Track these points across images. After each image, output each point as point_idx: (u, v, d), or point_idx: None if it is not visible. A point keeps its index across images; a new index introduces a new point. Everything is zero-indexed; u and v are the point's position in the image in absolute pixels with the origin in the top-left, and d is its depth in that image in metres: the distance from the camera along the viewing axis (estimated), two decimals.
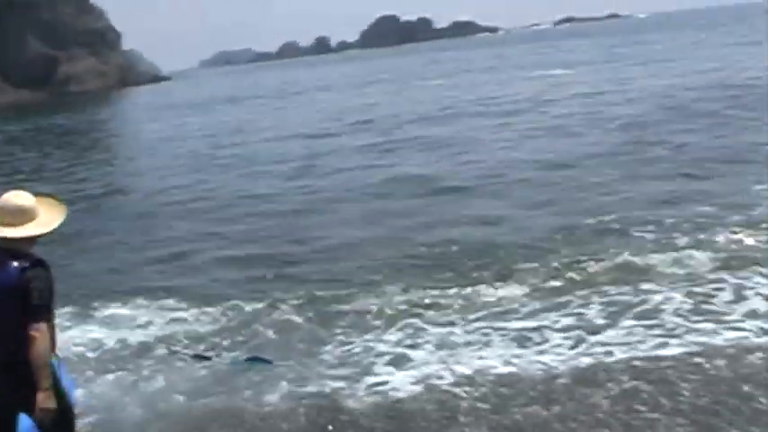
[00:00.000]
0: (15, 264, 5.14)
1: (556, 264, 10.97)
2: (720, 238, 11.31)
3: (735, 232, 11.53)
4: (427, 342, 8.72)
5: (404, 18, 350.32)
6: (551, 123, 25.82)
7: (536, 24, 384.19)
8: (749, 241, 11.11)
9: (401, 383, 7.76)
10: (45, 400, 5.12)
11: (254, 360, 8.52)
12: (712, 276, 9.72)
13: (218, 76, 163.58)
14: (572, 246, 11.87)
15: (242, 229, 15.74)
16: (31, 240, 5.33)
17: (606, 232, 12.47)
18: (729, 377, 7.16)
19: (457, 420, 6.94)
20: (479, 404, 7.16)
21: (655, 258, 10.63)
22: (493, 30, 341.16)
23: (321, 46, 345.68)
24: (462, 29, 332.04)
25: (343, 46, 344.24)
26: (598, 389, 7.18)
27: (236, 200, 18.97)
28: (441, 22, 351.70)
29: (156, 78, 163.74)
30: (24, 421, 5.16)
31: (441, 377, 7.79)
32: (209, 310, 10.48)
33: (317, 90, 61.89)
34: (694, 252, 10.68)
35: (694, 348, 7.83)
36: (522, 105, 32.17)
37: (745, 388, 6.91)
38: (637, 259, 10.71)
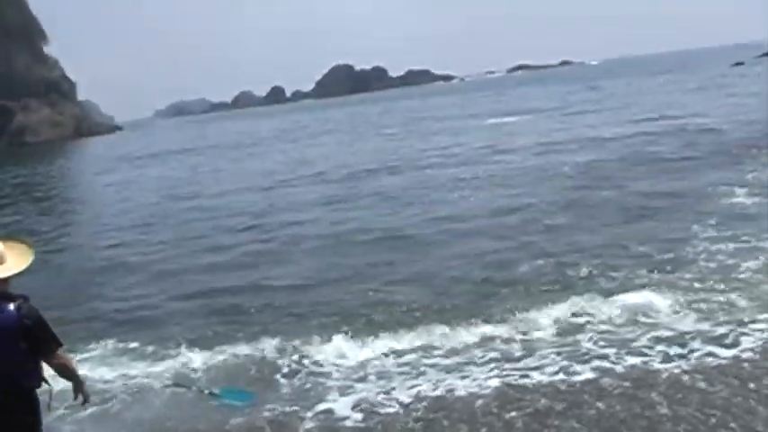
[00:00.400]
0: (11, 305, 5.72)
1: (492, 304, 12.13)
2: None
3: (665, 271, 12.73)
4: (369, 374, 9.81)
5: (358, 67, 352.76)
6: (503, 173, 26.57)
7: (490, 72, 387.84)
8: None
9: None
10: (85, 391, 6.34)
11: (233, 393, 8.79)
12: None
13: (173, 127, 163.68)
14: (514, 286, 13.00)
15: (196, 280, 16.37)
16: (5, 282, 5.82)
17: (544, 275, 13.48)
18: (631, 395, 8.27)
19: None
20: (414, 424, 8.22)
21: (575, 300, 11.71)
22: (447, 78, 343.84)
23: (276, 95, 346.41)
24: (417, 77, 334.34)
25: (298, 95, 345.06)
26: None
27: (190, 253, 19.35)
28: (395, 71, 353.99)
29: (112, 129, 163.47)
30: None
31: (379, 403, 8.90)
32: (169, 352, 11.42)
33: (272, 140, 62.61)
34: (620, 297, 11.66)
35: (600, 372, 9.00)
36: (474, 154, 32.80)
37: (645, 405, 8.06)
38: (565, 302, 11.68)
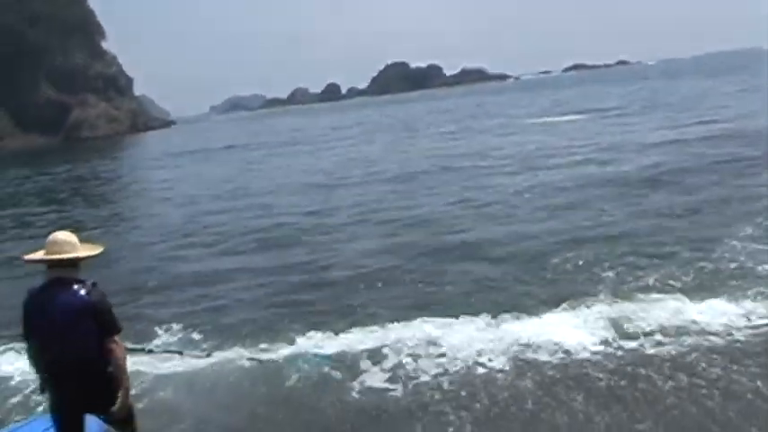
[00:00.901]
0: (79, 287, 6.33)
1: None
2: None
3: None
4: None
5: (413, 65, 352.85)
6: (561, 176, 25.59)
7: (545, 72, 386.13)
8: None
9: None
10: (126, 396, 6.42)
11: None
12: None
13: (228, 122, 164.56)
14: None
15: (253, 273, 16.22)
16: (77, 268, 6.47)
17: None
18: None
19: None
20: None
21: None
22: (502, 77, 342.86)
23: (332, 92, 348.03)
24: (472, 76, 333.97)
25: (354, 92, 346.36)
26: None
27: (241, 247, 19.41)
28: (450, 69, 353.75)
29: (167, 124, 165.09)
30: (93, 423, 6.55)
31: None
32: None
33: (327, 138, 62.00)
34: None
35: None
36: (530, 155, 31.99)
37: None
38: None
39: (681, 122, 37.86)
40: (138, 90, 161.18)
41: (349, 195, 26.25)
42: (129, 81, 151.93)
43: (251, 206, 26.18)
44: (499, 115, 63.16)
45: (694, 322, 10.04)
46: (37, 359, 6.45)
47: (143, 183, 43.43)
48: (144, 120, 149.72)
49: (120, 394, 6.34)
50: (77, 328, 6.23)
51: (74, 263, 6.42)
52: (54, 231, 6.61)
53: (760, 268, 12.20)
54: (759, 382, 8.27)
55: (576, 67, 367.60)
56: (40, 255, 6.41)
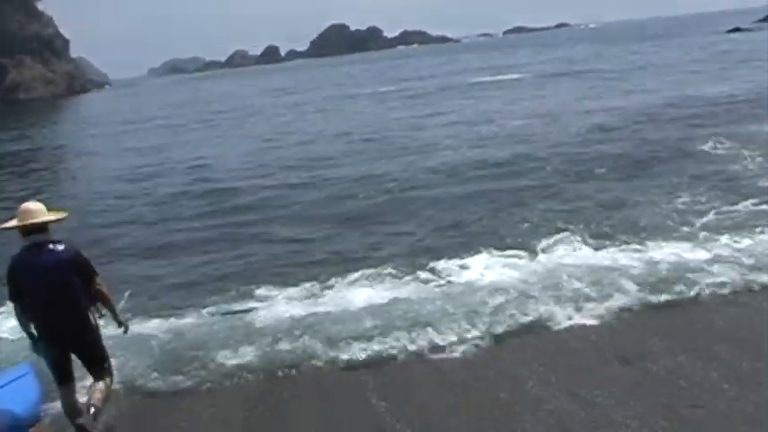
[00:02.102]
0: (56, 245, 7.27)
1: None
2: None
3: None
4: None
5: (354, 27, 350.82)
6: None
7: (486, 34, 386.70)
8: None
9: None
10: (123, 318, 7.89)
11: None
12: None
13: (166, 86, 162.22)
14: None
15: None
16: (48, 232, 7.32)
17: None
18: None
19: None
20: None
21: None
22: (443, 39, 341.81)
23: (271, 54, 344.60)
24: (413, 38, 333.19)
25: (293, 55, 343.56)
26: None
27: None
28: (391, 32, 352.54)
29: (104, 86, 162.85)
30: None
31: None
32: None
33: (263, 105, 61.96)
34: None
35: None
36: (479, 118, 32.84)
37: None
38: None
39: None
40: (74, 52, 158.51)
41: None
42: (66, 43, 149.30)
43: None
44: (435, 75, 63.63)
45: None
46: (31, 315, 7.33)
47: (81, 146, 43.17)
48: (81, 82, 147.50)
49: (120, 319, 7.80)
50: (66, 281, 7.22)
51: (45, 227, 7.30)
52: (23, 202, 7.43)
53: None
54: None
55: (517, 29, 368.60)
56: (14, 222, 7.22)
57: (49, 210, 7.42)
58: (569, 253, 12.08)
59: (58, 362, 7.39)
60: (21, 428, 7.60)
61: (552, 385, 7.68)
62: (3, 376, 8.17)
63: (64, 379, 7.45)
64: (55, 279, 7.16)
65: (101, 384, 7.47)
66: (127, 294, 10.91)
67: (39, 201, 7.42)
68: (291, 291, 11.48)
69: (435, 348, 8.92)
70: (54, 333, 7.27)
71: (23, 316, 7.35)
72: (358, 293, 11.08)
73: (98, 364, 7.55)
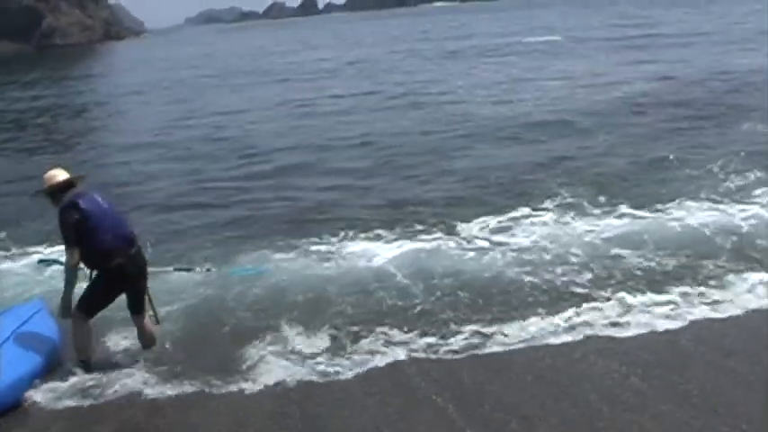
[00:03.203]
0: (96, 193, 8.07)
1: None
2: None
3: None
4: None
5: None
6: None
7: None
8: None
9: None
10: None
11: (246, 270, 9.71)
12: None
13: (203, 34, 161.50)
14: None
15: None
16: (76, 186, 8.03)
17: None
18: None
19: None
20: None
21: None
22: None
23: (308, 7, 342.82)
24: None
25: (331, 8, 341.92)
26: None
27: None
28: None
29: (140, 33, 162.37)
30: None
31: None
32: None
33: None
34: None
35: None
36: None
37: None
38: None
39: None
40: None
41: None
42: None
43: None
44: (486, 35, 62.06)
45: None
46: (103, 253, 7.75)
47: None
48: (117, 29, 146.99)
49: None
50: (119, 214, 8.22)
51: (75, 184, 8.06)
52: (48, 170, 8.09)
53: None
54: None
55: None
56: (58, 179, 7.94)
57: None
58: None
59: (105, 297, 7.93)
60: (45, 361, 7.68)
61: None
62: (20, 312, 8.41)
63: (92, 311, 7.95)
64: (122, 218, 8.20)
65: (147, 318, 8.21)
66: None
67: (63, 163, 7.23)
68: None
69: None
70: (127, 269, 7.87)
71: (92, 256, 7.76)
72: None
73: (141, 302, 8.17)
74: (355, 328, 8.33)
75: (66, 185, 7.93)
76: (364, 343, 8.02)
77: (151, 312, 8.18)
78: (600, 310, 8.39)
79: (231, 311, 8.88)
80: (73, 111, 33.00)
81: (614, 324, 8.05)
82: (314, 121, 23.53)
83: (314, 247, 11.03)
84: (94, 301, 7.94)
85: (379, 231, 11.65)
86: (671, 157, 15.09)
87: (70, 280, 7.79)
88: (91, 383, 7.46)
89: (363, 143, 19.21)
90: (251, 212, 13.70)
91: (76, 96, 39.84)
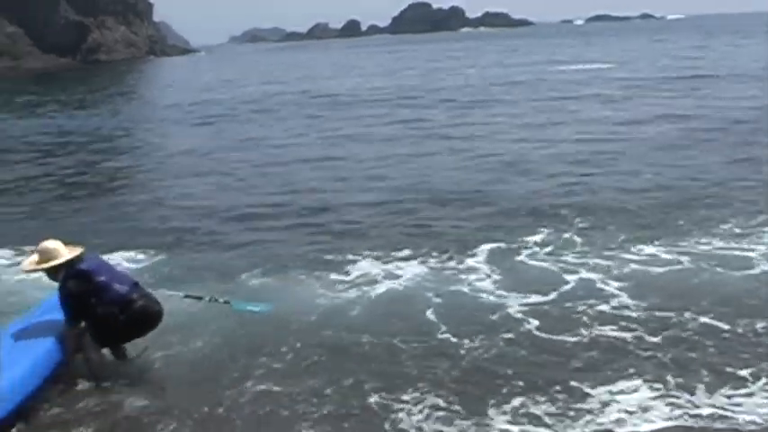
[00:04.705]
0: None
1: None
2: None
3: None
4: None
5: (436, 5, 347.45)
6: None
7: (568, 21, 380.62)
8: None
9: None
10: None
11: (249, 304, 9.43)
12: None
13: (250, 52, 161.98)
14: None
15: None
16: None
17: None
18: None
19: None
20: None
21: None
22: (525, 23, 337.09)
23: (351, 29, 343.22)
24: (494, 20, 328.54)
25: (374, 30, 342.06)
26: None
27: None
28: (473, 12, 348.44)
29: (185, 51, 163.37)
30: None
31: None
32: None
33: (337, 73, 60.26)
34: None
35: None
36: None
37: None
38: None
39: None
40: (157, 16, 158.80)
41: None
42: (149, 6, 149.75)
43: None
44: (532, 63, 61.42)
45: None
46: (116, 298, 7.96)
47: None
48: (161, 46, 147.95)
49: None
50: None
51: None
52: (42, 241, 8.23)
53: None
54: None
55: (599, 17, 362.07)
56: (47, 265, 8.07)
57: (66, 244, 8.24)
58: None
59: (128, 339, 8.35)
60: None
61: None
62: (39, 311, 8.68)
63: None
64: (125, 272, 8.80)
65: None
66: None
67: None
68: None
69: None
70: (147, 311, 8.11)
71: (113, 308, 7.93)
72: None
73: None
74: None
75: (71, 262, 8.04)
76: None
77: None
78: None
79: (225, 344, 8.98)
80: (118, 130, 32.62)
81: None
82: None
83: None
84: (113, 343, 8.31)
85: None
86: None
87: (71, 345, 8.04)
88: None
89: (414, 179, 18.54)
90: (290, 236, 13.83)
91: (121, 115, 39.61)
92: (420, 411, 7.37)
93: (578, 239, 12.41)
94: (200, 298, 9.31)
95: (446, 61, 70.09)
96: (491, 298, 10.11)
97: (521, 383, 7.73)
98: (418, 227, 13.96)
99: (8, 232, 14.47)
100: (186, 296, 9.31)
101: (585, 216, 13.77)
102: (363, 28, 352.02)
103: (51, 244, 8.12)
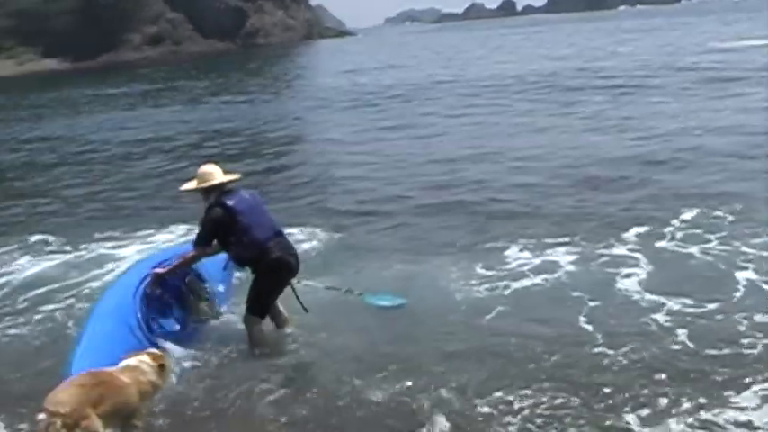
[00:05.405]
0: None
1: None
2: None
3: None
4: None
5: None
6: None
7: None
8: None
9: None
10: None
11: (383, 297, 9.46)
12: None
13: (411, 33, 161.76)
14: None
15: None
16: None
17: None
18: None
19: None
20: None
21: None
22: None
23: (507, 8, 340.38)
24: None
25: (529, 10, 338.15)
26: None
27: None
28: None
29: (341, 34, 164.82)
30: None
31: None
32: None
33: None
34: None
35: None
36: None
37: None
38: None
39: None
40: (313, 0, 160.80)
41: None
42: None
43: None
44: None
45: None
46: (254, 250, 8.22)
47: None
48: (318, 29, 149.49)
49: None
50: (266, 209, 8.63)
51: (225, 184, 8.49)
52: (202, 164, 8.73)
53: None
54: None
55: None
56: (210, 183, 8.46)
57: (225, 173, 8.59)
58: None
59: (275, 291, 8.48)
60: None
61: None
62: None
63: (265, 311, 8.51)
64: (269, 213, 8.60)
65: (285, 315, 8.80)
66: None
67: None
68: None
69: None
70: (282, 261, 8.26)
71: (247, 252, 8.27)
72: None
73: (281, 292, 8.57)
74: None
75: (218, 186, 8.35)
76: None
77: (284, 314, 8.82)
78: None
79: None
80: (276, 116, 32.37)
81: None
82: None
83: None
84: (261, 302, 8.41)
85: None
86: None
87: (187, 261, 8.46)
88: None
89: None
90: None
91: (279, 100, 39.56)
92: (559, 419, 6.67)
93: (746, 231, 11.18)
94: (337, 289, 9.57)
95: (602, 39, 67.23)
96: (645, 297, 9.25)
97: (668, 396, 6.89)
98: (571, 211, 13.42)
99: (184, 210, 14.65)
100: (327, 287, 9.62)
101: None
102: (519, 8, 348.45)
103: (208, 168, 8.52)
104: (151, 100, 43.58)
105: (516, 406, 6.90)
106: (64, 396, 6.15)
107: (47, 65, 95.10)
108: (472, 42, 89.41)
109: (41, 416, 6.13)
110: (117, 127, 31.56)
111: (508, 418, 6.75)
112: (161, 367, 7.12)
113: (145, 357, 7.07)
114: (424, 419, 6.80)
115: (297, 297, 8.72)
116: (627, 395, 6.98)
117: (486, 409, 6.88)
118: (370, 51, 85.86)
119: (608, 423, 6.58)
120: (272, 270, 8.26)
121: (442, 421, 6.73)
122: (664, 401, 6.81)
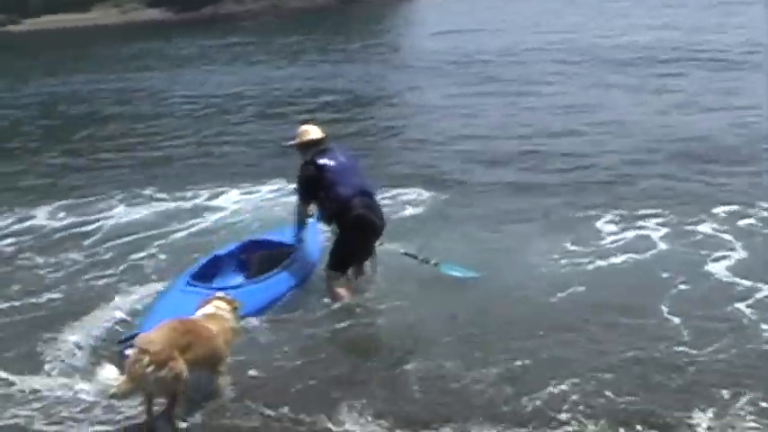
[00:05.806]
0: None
1: None
2: None
3: None
4: None
5: None
6: None
7: None
8: None
9: None
10: None
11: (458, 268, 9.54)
12: None
13: None
14: None
15: None
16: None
17: None
18: None
19: None
20: None
21: None
22: None
23: None
24: None
25: None
26: None
27: None
28: None
29: None
30: None
31: None
32: None
33: None
34: None
35: None
36: None
37: None
38: None
39: None
40: None
41: None
42: None
43: None
44: None
45: None
46: (339, 206, 8.65)
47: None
48: None
49: None
50: (359, 169, 9.12)
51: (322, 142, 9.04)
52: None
53: None
54: None
55: None
56: (309, 137, 9.07)
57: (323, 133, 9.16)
58: None
59: (357, 249, 8.86)
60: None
61: None
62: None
63: (345, 267, 8.86)
64: (362, 173, 9.05)
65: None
66: None
67: None
68: None
69: None
70: (365, 219, 8.62)
71: (331, 208, 8.74)
72: None
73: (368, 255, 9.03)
74: None
75: (313, 143, 8.92)
76: None
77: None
78: None
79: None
80: (377, 77, 31.74)
81: None
82: None
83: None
84: (342, 257, 8.80)
85: None
86: None
87: (300, 223, 9.18)
88: None
89: None
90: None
91: (380, 60, 38.73)
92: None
93: None
94: (414, 257, 9.65)
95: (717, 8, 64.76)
96: (736, 283, 8.97)
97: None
98: (664, 183, 13.36)
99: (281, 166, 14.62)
100: (404, 254, 9.70)
101: None
102: None
103: (306, 127, 9.25)
104: (251, 55, 43.61)
105: (571, 399, 6.78)
106: (155, 336, 6.49)
107: (150, 14, 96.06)
108: (582, 6, 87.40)
109: (129, 351, 6.49)
110: (216, 81, 31.85)
111: (562, 416, 6.61)
112: (234, 310, 7.35)
113: (220, 303, 7.29)
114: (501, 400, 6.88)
115: (374, 261, 9.28)
116: (702, 405, 6.54)
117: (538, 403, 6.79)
118: (473, 11, 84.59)
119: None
120: (355, 226, 8.65)
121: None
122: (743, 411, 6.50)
